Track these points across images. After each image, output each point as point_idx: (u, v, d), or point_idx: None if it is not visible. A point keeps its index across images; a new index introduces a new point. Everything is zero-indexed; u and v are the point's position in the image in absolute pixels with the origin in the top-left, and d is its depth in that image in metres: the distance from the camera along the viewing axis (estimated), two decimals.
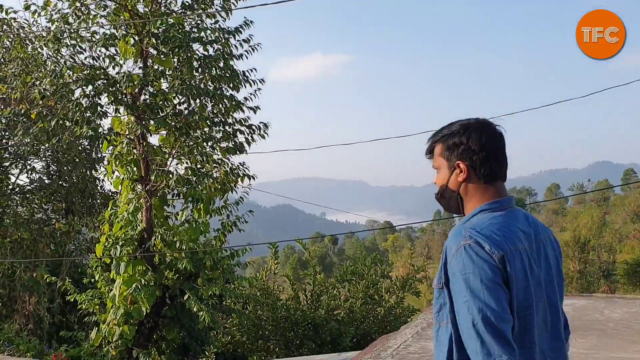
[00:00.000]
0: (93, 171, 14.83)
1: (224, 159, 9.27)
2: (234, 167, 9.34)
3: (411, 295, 11.49)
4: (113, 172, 9.65)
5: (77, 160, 14.59)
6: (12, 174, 14.81)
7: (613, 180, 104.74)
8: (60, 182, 14.93)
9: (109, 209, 10.06)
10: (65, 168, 14.80)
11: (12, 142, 14.21)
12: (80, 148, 14.30)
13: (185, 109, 9.17)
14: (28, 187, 14.63)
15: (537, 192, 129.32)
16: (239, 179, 9.27)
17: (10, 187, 14.82)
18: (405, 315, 11.12)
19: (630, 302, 7.05)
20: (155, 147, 9.39)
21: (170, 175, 9.00)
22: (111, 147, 9.40)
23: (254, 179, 9.38)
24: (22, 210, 14.16)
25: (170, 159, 9.39)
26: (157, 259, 9.58)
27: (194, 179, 8.77)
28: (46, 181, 15.16)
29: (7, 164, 14.64)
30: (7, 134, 14.22)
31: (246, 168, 9.37)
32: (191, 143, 9.04)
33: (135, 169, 9.37)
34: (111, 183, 9.64)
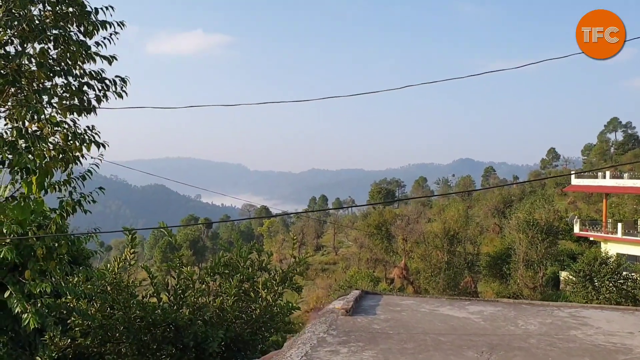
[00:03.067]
0: None
1: (65, 120, 7.25)
2: (79, 131, 7.35)
3: (291, 291, 10.14)
4: None
5: None
6: None
7: (474, 176, 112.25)
8: None
9: None
10: None
11: None
12: None
13: (16, 50, 7.03)
14: None
15: (405, 184, 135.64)
16: (84, 147, 7.31)
17: None
18: (282, 314, 9.77)
19: (541, 310, 6.22)
20: None
21: None
22: None
23: (104, 147, 7.53)
24: None
25: None
26: None
27: (22, 142, 6.70)
28: None
29: None
30: None
31: (95, 133, 7.45)
32: (22, 96, 6.93)
33: None
34: None
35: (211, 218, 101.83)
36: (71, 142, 7.45)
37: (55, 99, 7.47)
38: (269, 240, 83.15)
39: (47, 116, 7.18)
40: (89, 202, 8.11)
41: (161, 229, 10.52)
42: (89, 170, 8.10)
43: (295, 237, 11.05)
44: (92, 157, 8.10)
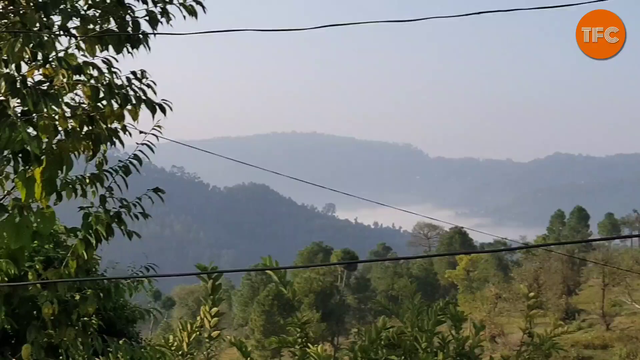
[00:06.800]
0: None
1: (93, 61, 7.77)
2: (117, 81, 7.77)
3: None
4: None
5: None
6: None
7: None
8: None
9: None
10: None
11: None
12: None
13: None
14: None
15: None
16: (127, 111, 7.75)
17: None
18: None
19: None
20: None
21: None
22: None
23: (163, 111, 7.75)
24: None
25: None
26: None
27: (15, 103, 7.32)
28: None
29: None
30: None
31: (147, 85, 7.78)
32: (14, 17, 7.39)
33: None
34: None
35: (357, 249, 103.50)
36: (104, 102, 7.72)
37: (76, 22, 7.80)
38: (468, 295, 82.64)
39: (61, 54, 7.48)
40: (135, 218, 8.40)
41: (266, 270, 10.67)
42: (135, 156, 8.39)
43: (535, 295, 10.70)
44: (141, 132, 8.39)
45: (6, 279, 7.71)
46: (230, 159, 13.54)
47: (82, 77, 7.84)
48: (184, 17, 7.80)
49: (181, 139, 9.35)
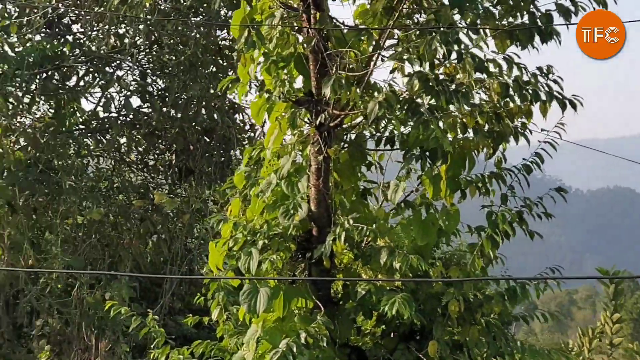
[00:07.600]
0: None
1: (499, 55, 7.91)
2: (525, 78, 7.92)
3: None
4: (250, 85, 9.01)
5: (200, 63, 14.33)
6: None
7: None
8: (167, 111, 14.73)
9: (241, 166, 9.53)
10: (177, 82, 14.47)
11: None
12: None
13: None
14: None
15: None
16: (536, 108, 7.87)
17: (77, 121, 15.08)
18: None
19: None
20: (341, 27, 8.46)
21: (375, 93, 8.04)
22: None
23: (574, 107, 7.88)
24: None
25: (377, 54, 8.34)
26: (338, 285, 8.88)
27: (426, 100, 7.61)
28: (143, 109, 15.14)
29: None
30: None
31: (553, 80, 7.88)
32: (427, 15, 7.71)
33: (295, 75, 8.59)
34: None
35: None
36: (507, 99, 7.82)
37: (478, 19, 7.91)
38: None
39: (468, 49, 7.62)
40: (538, 217, 8.40)
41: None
42: (537, 154, 8.39)
43: None
44: (542, 130, 8.37)
45: (410, 274, 7.90)
46: (621, 157, 13.17)
47: (483, 76, 7.95)
48: (594, 8, 7.77)
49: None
